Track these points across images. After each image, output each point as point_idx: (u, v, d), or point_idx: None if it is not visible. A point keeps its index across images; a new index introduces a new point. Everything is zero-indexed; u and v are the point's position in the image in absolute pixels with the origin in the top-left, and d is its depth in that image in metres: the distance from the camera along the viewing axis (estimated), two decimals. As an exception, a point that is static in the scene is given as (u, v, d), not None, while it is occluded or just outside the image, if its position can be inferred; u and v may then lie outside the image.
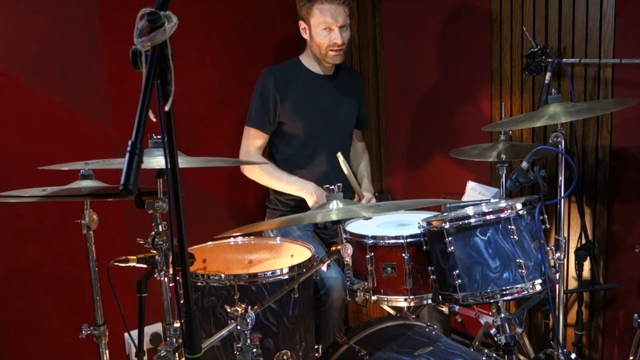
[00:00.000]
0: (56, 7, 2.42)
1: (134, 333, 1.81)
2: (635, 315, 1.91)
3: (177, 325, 1.56)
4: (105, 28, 2.53)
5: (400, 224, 2.10)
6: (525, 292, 1.67)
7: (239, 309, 1.41)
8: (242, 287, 1.68)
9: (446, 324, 2.44)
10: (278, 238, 2.15)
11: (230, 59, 2.93)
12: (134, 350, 1.97)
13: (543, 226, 1.73)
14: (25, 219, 2.41)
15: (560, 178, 1.98)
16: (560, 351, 1.99)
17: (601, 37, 2.22)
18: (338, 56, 2.48)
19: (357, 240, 1.94)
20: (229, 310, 1.43)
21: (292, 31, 3.06)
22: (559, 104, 1.92)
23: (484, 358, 1.72)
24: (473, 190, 2.38)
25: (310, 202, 2.45)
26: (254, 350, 1.44)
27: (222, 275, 1.70)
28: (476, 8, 2.63)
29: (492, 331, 1.76)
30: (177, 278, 1.09)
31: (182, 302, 1.10)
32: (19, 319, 2.44)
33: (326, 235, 2.53)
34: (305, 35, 2.50)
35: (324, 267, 1.63)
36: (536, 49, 2.29)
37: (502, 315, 1.74)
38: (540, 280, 1.69)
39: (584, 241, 2.28)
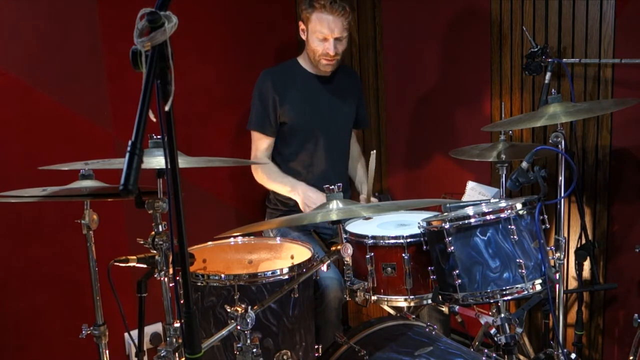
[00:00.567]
0: (56, 7, 2.42)
1: (134, 333, 1.81)
2: (635, 315, 1.91)
3: (177, 325, 1.56)
4: (105, 28, 2.53)
5: (400, 224, 2.10)
6: (525, 292, 1.67)
7: (239, 309, 1.41)
8: (242, 287, 1.68)
9: (446, 324, 2.44)
10: (278, 238, 2.15)
11: (230, 59, 2.93)
12: (134, 350, 1.97)
13: (543, 226, 1.73)
14: (25, 219, 2.41)
15: (560, 178, 1.98)
16: (560, 351, 1.99)
17: (601, 37, 2.22)
18: (329, 65, 2.49)
19: (357, 240, 1.94)
20: (229, 310, 1.43)
21: (292, 31, 3.06)
22: (559, 104, 1.92)
23: (484, 358, 1.72)
24: (473, 190, 2.38)
25: (300, 204, 2.44)
26: (254, 350, 1.44)
27: (222, 275, 1.70)
28: (476, 8, 2.64)
29: (492, 331, 1.76)
30: (177, 278, 1.09)
31: (182, 302, 1.10)
32: (19, 319, 2.44)
33: (326, 235, 2.53)
34: (303, 37, 2.51)
35: (323, 267, 1.63)
36: (536, 49, 2.29)
37: (502, 315, 1.74)
38: (540, 280, 1.69)
39: (584, 241, 2.28)
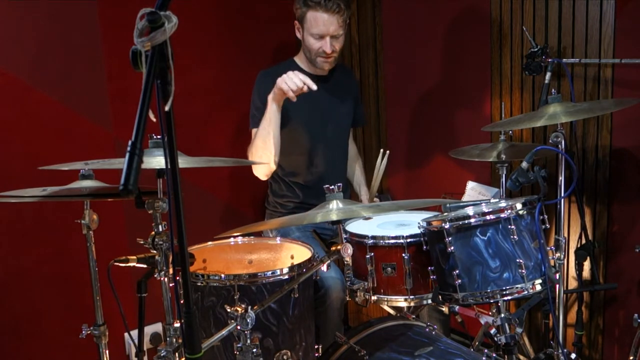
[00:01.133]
0: (56, 7, 2.42)
1: (134, 333, 1.81)
2: (635, 315, 1.91)
3: (177, 325, 1.56)
4: (105, 28, 2.53)
5: (400, 224, 2.10)
6: (525, 292, 1.67)
7: (239, 309, 1.41)
8: (242, 287, 1.68)
9: (446, 324, 2.45)
10: (278, 238, 2.15)
11: (230, 59, 2.94)
12: (134, 350, 1.97)
13: (543, 226, 1.73)
14: (25, 219, 2.42)
15: (560, 178, 1.98)
16: (560, 351, 1.99)
17: (601, 37, 2.22)
18: (327, 63, 2.47)
19: (357, 240, 1.94)
20: (229, 310, 1.43)
21: (291, 31, 3.05)
22: (559, 104, 1.92)
23: (484, 358, 1.72)
24: (473, 190, 2.38)
25: (277, 89, 2.27)
26: (254, 350, 1.44)
27: (222, 275, 1.70)
28: (476, 8, 2.64)
29: (492, 331, 1.76)
30: (177, 278, 1.09)
31: (182, 302, 1.10)
32: (19, 319, 2.44)
33: (326, 235, 2.53)
34: (299, 36, 2.50)
35: (323, 267, 1.63)
36: (536, 49, 2.29)
37: (502, 315, 1.74)
38: (540, 280, 1.69)
39: (584, 241, 2.28)
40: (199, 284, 1.72)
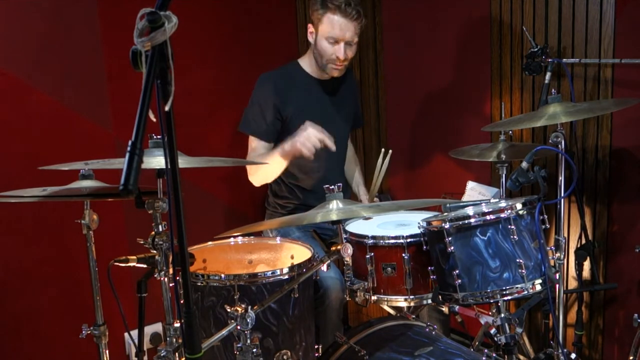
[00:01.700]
0: (56, 6, 2.42)
1: (134, 333, 1.81)
2: (635, 315, 1.91)
3: (177, 325, 1.56)
4: (105, 28, 2.53)
5: (400, 224, 2.10)
6: (525, 292, 1.67)
7: (239, 309, 1.41)
8: (242, 287, 1.68)
9: (446, 324, 2.45)
10: (278, 238, 2.15)
11: (230, 59, 2.94)
12: (134, 350, 1.97)
13: (543, 226, 1.73)
14: (25, 219, 2.42)
15: (560, 178, 1.98)
16: (560, 351, 1.99)
17: (601, 37, 2.22)
18: (337, 70, 2.42)
19: (357, 240, 1.94)
20: (229, 310, 1.43)
21: (292, 32, 3.06)
22: (559, 104, 1.92)
23: (484, 358, 1.72)
24: (473, 190, 2.38)
25: (292, 148, 2.26)
26: (254, 350, 1.44)
27: (222, 275, 1.69)
28: (476, 8, 2.64)
29: (492, 331, 1.76)
30: (177, 278, 1.09)
31: (182, 302, 1.10)
32: (19, 319, 2.44)
33: (326, 235, 2.53)
34: (311, 39, 2.44)
35: (323, 267, 1.63)
36: (536, 49, 2.29)
37: (502, 315, 1.74)
38: (540, 280, 1.69)
39: (584, 241, 2.28)
40: (199, 284, 1.72)
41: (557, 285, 2.01)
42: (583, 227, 2.27)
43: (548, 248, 1.79)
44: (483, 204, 1.83)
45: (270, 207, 2.68)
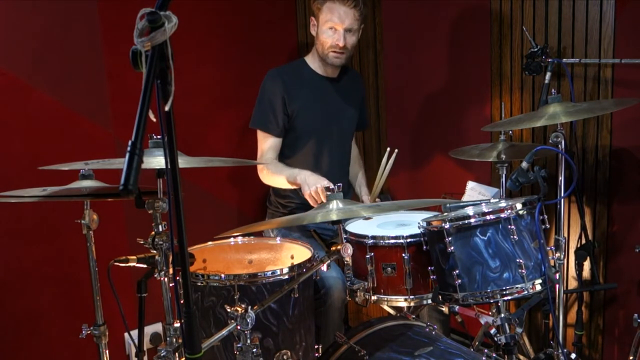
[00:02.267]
0: (56, 6, 2.42)
1: (134, 333, 1.81)
2: (635, 315, 1.91)
3: (177, 325, 1.56)
4: (105, 28, 2.53)
5: (400, 224, 2.10)
6: (525, 292, 1.67)
7: (239, 309, 1.41)
8: (242, 287, 1.68)
9: (446, 324, 2.44)
10: (278, 238, 2.15)
11: (230, 59, 2.94)
12: (134, 350, 1.97)
13: (543, 226, 1.73)
14: (25, 219, 2.42)
15: (560, 178, 1.98)
16: (560, 351, 1.99)
17: (601, 37, 2.22)
18: (338, 58, 2.45)
19: (357, 240, 1.94)
20: (229, 310, 1.43)
21: (292, 31, 3.06)
22: (559, 104, 1.92)
23: (484, 358, 1.72)
24: (473, 190, 2.38)
25: (305, 193, 2.26)
26: (254, 350, 1.44)
27: (222, 275, 1.69)
28: (476, 8, 2.64)
29: (492, 331, 1.76)
30: (177, 278, 1.09)
31: (182, 302, 1.10)
32: (19, 319, 2.44)
33: (326, 235, 2.53)
34: (313, 32, 2.48)
35: (324, 267, 1.63)
36: (536, 49, 2.29)
37: (502, 315, 1.74)
38: (540, 280, 1.69)
39: (584, 241, 2.28)
40: (199, 284, 1.72)
41: (557, 285, 2.01)
42: (583, 227, 2.27)
43: (548, 248, 1.79)
44: (483, 204, 1.83)
45: (271, 206, 2.68)
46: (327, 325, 2.20)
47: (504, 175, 2.22)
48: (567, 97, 2.23)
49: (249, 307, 1.42)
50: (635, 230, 2.28)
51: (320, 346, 1.91)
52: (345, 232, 1.96)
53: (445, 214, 1.81)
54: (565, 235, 2.35)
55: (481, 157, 2.26)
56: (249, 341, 1.44)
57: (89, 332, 1.86)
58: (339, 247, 1.59)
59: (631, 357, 2.01)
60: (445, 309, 2.34)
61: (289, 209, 2.59)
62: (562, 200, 2.01)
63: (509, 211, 1.69)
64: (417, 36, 2.94)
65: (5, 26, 2.32)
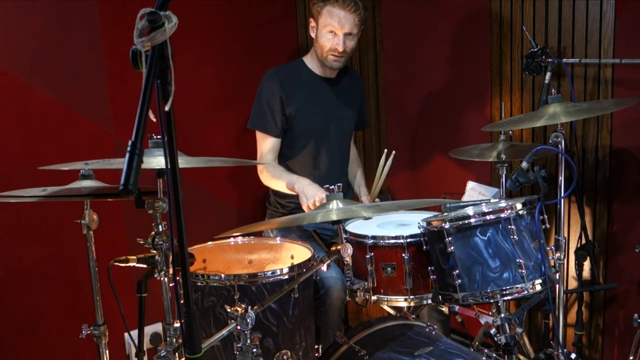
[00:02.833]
0: (56, 6, 2.42)
1: (134, 333, 1.81)
2: (635, 315, 1.91)
3: (177, 325, 1.56)
4: (105, 28, 2.53)
5: (400, 224, 2.10)
6: (525, 292, 1.67)
7: (239, 309, 1.41)
8: (242, 287, 1.68)
9: (446, 324, 2.44)
10: (278, 238, 2.15)
11: (230, 59, 2.94)
12: (134, 350, 1.97)
13: (543, 226, 1.73)
14: (25, 219, 2.41)
15: (560, 178, 1.98)
16: (560, 351, 1.99)
17: (601, 37, 2.22)
18: (337, 62, 2.44)
19: (357, 240, 1.94)
20: (229, 310, 1.43)
21: (292, 31, 3.06)
22: (559, 104, 1.92)
23: (484, 358, 1.72)
24: (473, 190, 2.38)
25: (303, 204, 2.31)
26: (254, 350, 1.44)
27: (222, 275, 1.69)
28: (476, 8, 2.64)
29: (492, 331, 1.76)
30: (177, 278, 1.09)
31: (182, 302, 1.10)
32: (19, 319, 2.44)
33: (326, 235, 2.53)
34: (312, 34, 2.48)
35: (323, 267, 1.63)
36: (536, 49, 2.29)
37: (502, 315, 1.74)
38: (540, 280, 1.69)
39: (584, 241, 2.28)
40: (199, 284, 1.72)
41: (557, 285, 2.01)
42: (583, 227, 2.27)
43: (548, 248, 1.79)
44: (483, 204, 1.83)
45: (271, 207, 2.68)
46: (327, 325, 2.20)
47: (504, 175, 2.22)
48: (567, 97, 2.23)
49: (249, 307, 1.41)
50: (635, 230, 2.28)
51: (320, 346, 1.91)
52: (345, 232, 1.96)
53: (445, 214, 1.81)
54: (565, 235, 2.35)
55: (481, 157, 2.26)
56: (249, 341, 1.44)
57: (89, 332, 1.86)
58: (338, 247, 1.59)
59: (631, 357, 2.01)
60: (445, 309, 2.34)
61: (288, 209, 2.59)
62: (562, 200, 2.01)
63: (509, 211, 1.69)
64: (417, 36, 2.94)
65: (5, 26, 2.32)
